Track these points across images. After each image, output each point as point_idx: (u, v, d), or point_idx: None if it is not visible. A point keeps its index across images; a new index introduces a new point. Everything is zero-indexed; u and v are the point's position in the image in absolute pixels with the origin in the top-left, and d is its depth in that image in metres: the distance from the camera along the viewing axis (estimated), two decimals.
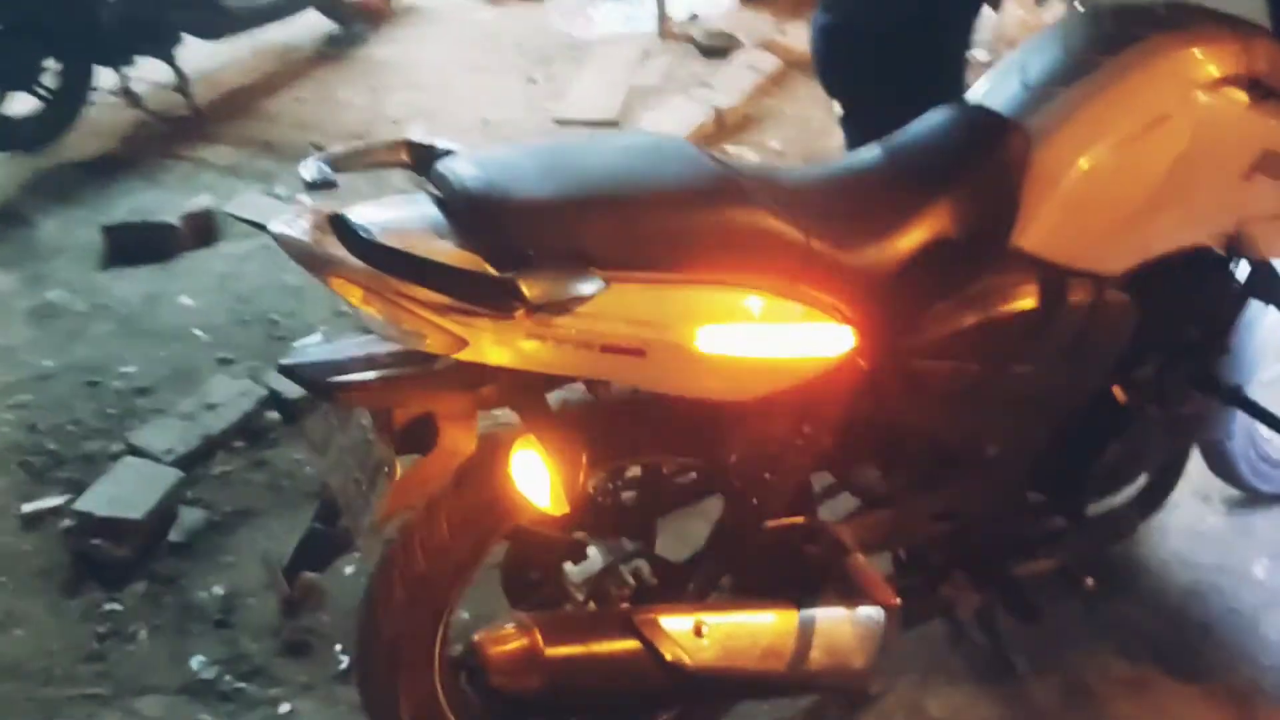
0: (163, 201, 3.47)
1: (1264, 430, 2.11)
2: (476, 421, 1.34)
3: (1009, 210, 1.54)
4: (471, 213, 1.27)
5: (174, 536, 2.30)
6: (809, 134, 3.89)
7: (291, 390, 2.75)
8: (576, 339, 1.25)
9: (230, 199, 3.52)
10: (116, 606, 2.16)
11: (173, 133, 3.95)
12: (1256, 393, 1.95)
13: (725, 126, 3.90)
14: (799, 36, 4.45)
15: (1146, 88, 1.55)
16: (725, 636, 1.45)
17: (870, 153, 1.60)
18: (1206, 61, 1.56)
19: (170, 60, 3.93)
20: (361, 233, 1.18)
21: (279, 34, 4.43)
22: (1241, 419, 2.11)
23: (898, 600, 1.51)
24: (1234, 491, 2.33)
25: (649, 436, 1.49)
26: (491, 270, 1.21)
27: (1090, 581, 1.82)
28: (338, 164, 1.33)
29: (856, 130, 2.40)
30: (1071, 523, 1.83)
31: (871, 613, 1.55)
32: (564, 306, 1.21)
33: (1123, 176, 1.56)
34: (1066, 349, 1.61)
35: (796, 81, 4.23)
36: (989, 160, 1.54)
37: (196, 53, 4.09)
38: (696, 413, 1.43)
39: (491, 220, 1.26)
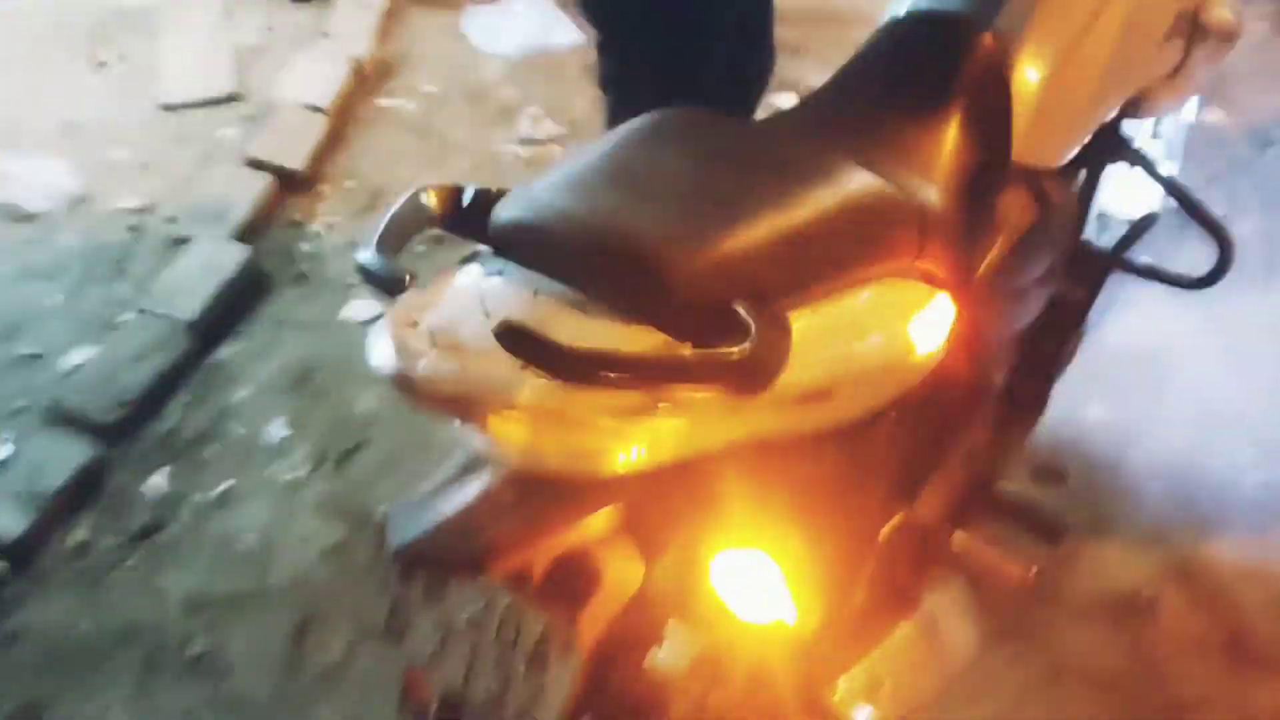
0: None
1: None
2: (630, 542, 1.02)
3: (1008, 121, 1.40)
4: (614, 271, 0.91)
5: None
6: (458, 71, 3.53)
7: (9, 529, 2.13)
8: (772, 398, 0.96)
9: None
10: None
11: None
12: None
13: (366, 78, 3.44)
14: None
15: None
16: (899, 678, 1.25)
17: (849, 81, 1.39)
18: None
19: None
20: (549, 339, 0.81)
21: None
22: None
23: (1034, 570, 1.38)
24: None
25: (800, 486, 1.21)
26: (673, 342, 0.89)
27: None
28: (386, 251, 0.91)
29: (616, 57, 2.18)
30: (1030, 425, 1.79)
31: (955, 591, 1.43)
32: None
33: (1083, 65, 1.47)
34: (1058, 252, 1.53)
35: (413, 16, 3.81)
36: (982, 72, 1.39)
37: None
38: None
39: (651, 276, 0.91)
